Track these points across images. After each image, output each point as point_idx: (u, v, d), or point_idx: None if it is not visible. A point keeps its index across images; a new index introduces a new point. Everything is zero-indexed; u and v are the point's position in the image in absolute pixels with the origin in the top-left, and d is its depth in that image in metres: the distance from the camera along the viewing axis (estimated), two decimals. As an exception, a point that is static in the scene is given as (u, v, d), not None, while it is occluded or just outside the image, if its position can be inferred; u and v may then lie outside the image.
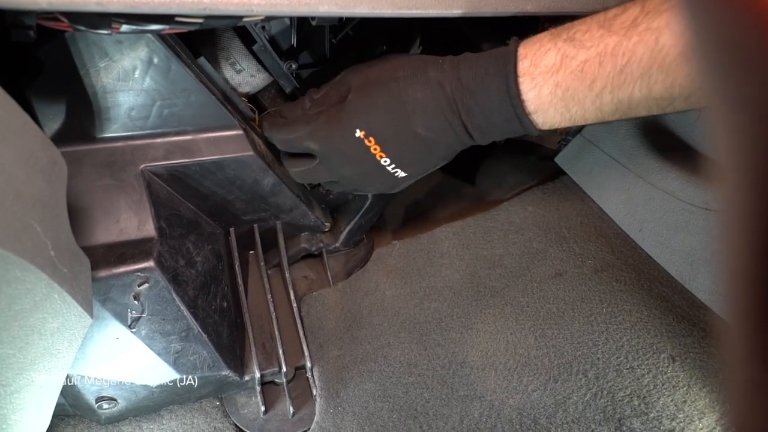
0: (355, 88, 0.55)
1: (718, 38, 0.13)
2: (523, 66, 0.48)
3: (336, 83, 0.58)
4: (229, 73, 0.58)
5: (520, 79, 0.48)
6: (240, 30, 0.59)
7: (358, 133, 0.53)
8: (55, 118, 0.53)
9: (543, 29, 0.49)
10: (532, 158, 0.97)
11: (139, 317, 0.54)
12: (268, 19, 0.58)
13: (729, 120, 0.13)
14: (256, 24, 0.58)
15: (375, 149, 0.54)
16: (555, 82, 0.46)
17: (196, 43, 0.57)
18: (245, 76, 0.59)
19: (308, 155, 0.60)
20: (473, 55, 0.51)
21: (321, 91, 0.59)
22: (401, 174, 0.57)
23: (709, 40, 0.14)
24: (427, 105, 0.51)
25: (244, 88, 0.60)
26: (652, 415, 0.66)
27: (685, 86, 0.41)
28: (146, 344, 0.56)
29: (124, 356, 0.56)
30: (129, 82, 0.53)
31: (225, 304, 0.65)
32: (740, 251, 0.14)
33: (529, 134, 0.51)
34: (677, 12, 0.37)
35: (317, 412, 0.67)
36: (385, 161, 0.55)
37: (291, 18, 0.59)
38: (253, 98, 0.66)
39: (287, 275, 0.73)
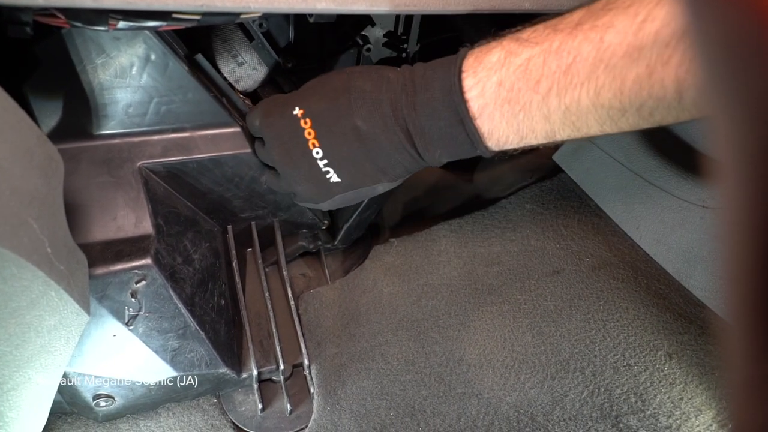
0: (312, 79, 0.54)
1: (718, 35, 0.13)
2: (468, 63, 0.46)
3: None
4: (230, 65, 0.58)
5: (463, 75, 0.46)
6: (242, 23, 0.59)
7: (296, 111, 0.51)
8: (51, 114, 0.53)
9: None
10: (530, 156, 0.97)
11: (137, 315, 0.54)
12: (266, 16, 0.58)
13: (729, 117, 0.13)
14: (253, 21, 0.58)
15: (309, 133, 0.51)
16: (499, 80, 0.44)
17: (198, 34, 0.57)
18: (247, 69, 0.58)
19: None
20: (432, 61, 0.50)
21: None
22: (334, 176, 0.52)
23: (709, 37, 0.14)
24: (371, 96, 0.49)
25: (246, 82, 0.59)
26: (648, 412, 0.66)
27: (635, 93, 0.39)
28: (143, 342, 0.56)
29: (121, 354, 0.56)
30: (126, 78, 0.53)
31: (222, 301, 0.65)
32: (740, 249, 0.14)
33: (480, 151, 0.48)
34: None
35: (315, 410, 0.67)
36: (318, 152, 0.51)
37: (288, 15, 0.59)
38: (253, 93, 0.66)
39: (285, 273, 0.73)
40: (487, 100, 0.45)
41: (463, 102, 0.45)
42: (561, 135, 0.45)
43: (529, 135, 0.46)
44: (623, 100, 0.40)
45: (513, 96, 0.44)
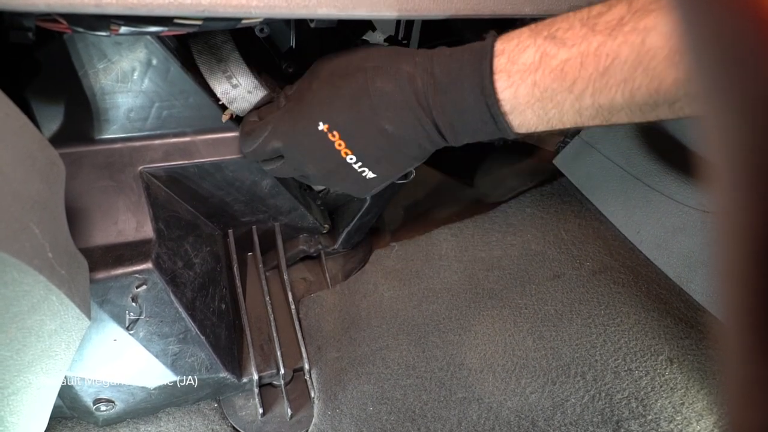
0: (320, 77, 0.52)
1: (712, 35, 0.13)
2: (500, 63, 0.45)
3: (307, 73, 0.55)
4: (224, 86, 0.57)
5: (496, 77, 0.44)
6: (240, 44, 0.58)
7: (321, 126, 0.50)
8: (53, 119, 0.53)
9: None
10: (531, 160, 0.98)
11: (137, 319, 0.54)
12: (267, 21, 0.58)
13: (723, 119, 0.13)
14: (254, 26, 0.58)
15: (340, 144, 0.50)
16: (533, 81, 0.44)
17: (195, 52, 0.57)
18: (241, 91, 0.57)
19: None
20: (448, 49, 0.48)
21: (294, 85, 0.56)
22: (369, 174, 0.53)
23: (702, 38, 0.14)
24: (394, 99, 0.48)
25: (241, 104, 0.58)
26: (650, 417, 0.66)
27: (670, 91, 0.39)
28: (144, 346, 0.56)
29: (121, 358, 0.56)
30: (128, 83, 0.53)
31: (223, 305, 0.65)
32: (735, 252, 0.14)
33: (505, 136, 0.49)
34: (668, 9, 0.36)
35: (315, 414, 0.67)
36: (351, 158, 0.51)
37: (289, 20, 0.60)
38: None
39: (285, 277, 0.73)
40: (520, 100, 0.45)
41: (496, 102, 0.45)
42: (589, 125, 0.46)
43: (557, 125, 0.46)
44: (658, 98, 0.40)
45: (547, 95, 0.44)
